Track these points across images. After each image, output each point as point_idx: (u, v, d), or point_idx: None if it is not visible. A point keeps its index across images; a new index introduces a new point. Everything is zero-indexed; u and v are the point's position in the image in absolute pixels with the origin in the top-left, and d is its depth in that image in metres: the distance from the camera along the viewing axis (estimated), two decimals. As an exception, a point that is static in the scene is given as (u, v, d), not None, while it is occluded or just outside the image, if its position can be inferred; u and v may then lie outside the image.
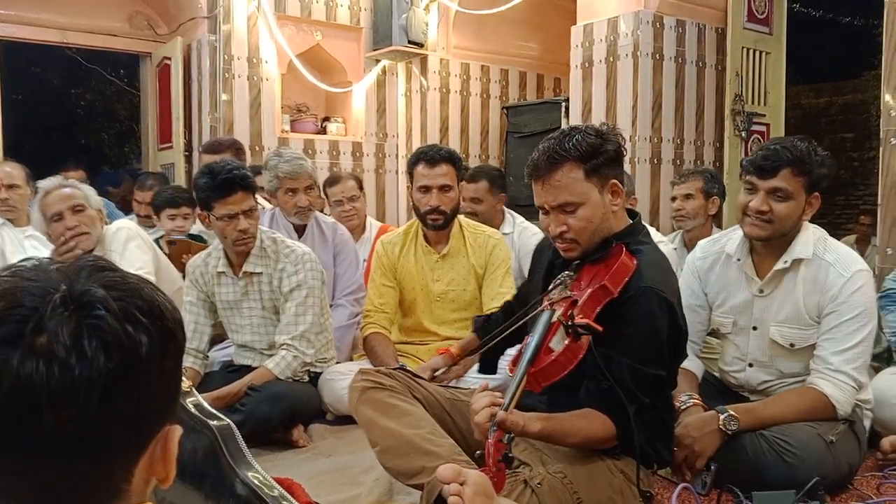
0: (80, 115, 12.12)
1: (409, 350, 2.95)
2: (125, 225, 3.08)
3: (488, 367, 2.21)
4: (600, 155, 1.70)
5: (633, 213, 1.85)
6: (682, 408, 2.05)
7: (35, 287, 0.61)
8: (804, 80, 9.93)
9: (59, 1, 5.63)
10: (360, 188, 3.98)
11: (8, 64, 5.54)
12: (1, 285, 0.62)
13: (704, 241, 2.44)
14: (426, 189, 2.82)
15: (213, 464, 1.31)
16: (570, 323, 1.53)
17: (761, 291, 2.16)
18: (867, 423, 2.16)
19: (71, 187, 2.92)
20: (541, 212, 1.78)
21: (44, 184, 2.94)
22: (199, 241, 3.58)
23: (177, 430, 0.69)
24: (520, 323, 1.81)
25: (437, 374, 2.18)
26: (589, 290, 1.61)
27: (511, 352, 1.94)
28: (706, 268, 2.30)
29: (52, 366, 0.58)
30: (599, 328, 1.54)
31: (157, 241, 3.49)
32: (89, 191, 2.97)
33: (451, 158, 2.86)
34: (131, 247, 2.93)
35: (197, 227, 3.77)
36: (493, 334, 1.88)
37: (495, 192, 3.59)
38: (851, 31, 9.02)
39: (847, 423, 2.04)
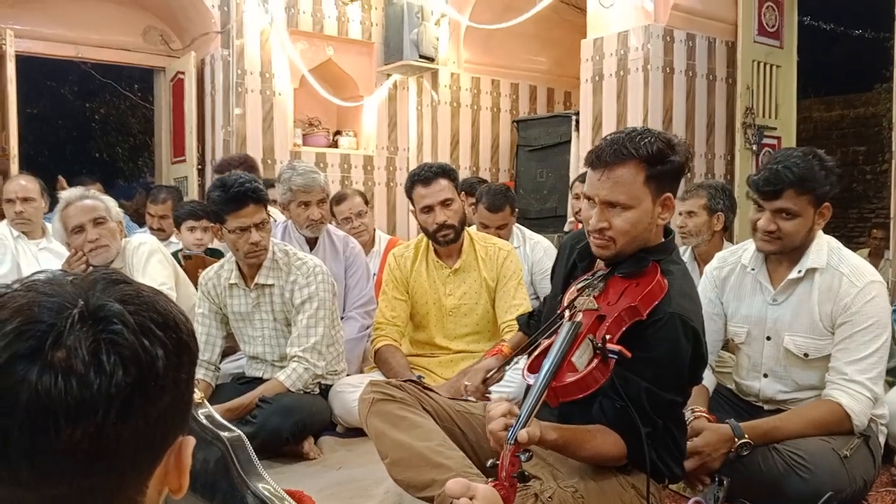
0: (94, 128, 12.24)
1: (420, 363, 2.95)
2: (147, 240, 3.08)
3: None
4: (667, 163, 1.66)
5: (667, 231, 1.81)
6: (686, 421, 2.03)
7: (51, 302, 0.62)
8: (815, 94, 9.91)
9: (74, 16, 5.71)
10: (367, 203, 3.99)
11: (24, 78, 5.60)
12: (17, 300, 0.62)
13: (722, 251, 2.45)
14: (429, 208, 2.83)
15: (224, 475, 1.32)
16: (600, 345, 1.49)
17: (775, 300, 2.16)
18: (882, 439, 2.14)
19: (93, 199, 2.92)
20: (586, 202, 1.73)
21: (65, 195, 2.94)
22: (216, 256, 3.61)
23: (190, 441, 0.69)
24: (555, 320, 1.74)
25: (489, 374, 2.12)
26: (618, 309, 1.58)
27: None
28: (722, 277, 2.31)
29: (70, 381, 0.58)
30: (630, 355, 1.50)
31: (173, 255, 3.51)
32: (111, 203, 2.98)
33: (445, 172, 2.87)
34: (153, 262, 2.94)
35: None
36: (539, 332, 1.80)
37: (513, 211, 3.67)
38: (863, 44, 9.01)
39: (862, 438, 2.03)
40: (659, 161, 1.64)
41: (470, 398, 2.19)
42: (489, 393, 2.17)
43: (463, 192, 3.30)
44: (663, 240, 1.77)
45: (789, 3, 5.03)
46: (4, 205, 3.67)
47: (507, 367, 2.08)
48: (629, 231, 1.67)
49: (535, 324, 2.11)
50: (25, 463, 0.59)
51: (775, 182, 2.02)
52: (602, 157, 1.66)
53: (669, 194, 1.69)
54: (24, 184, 3.68)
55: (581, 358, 1.51)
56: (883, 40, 7.74)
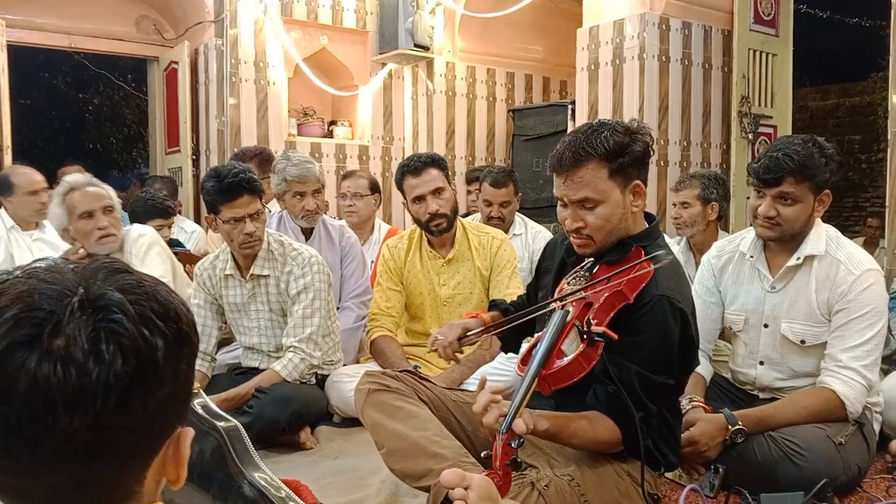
0: (88, 119, 12.18)
1: (416, 353, 2.95)
2: (147, 231, 3.08)
3: (511, 344, 2.16)
4: (626, 154, 1.67)
5: (650, 217, 1.83)
6: (683, 411, 2.04)
7: (52, 290, 0.61)
8: (811, 82, 9.90)
9: (67, 6, 5.67)
10: (374, 191, 3.96)
11: (17, 69, 5.58)
12: (17, 287, 0.62)
13: (721, 240, 2.46)
14: (420, 198, 2.82)
15: (220, 465, 1.32)
16: (586, 329, 1.50)
17: (773, 288, 2.16)
18: (877, 426, 2.15)
19: (98, 186, 2.89)
20: (559, 204, 1.77)
21: (70, 179, 2.89)
22: (175, 247, 3.63)
23: (189, 433, 0.69)
24: (542, 312, 1.75)
25: (469, 334, 2.04)
26: (605, 295, 1.59)
27: (521, 349, 1.92)
28: (720, 265, 2.32)
29: (69, 369, 0.58)
30: (615, 336, 1.52)
31: None
32: (112, 192, 2.96)
33: (435, 161, 2.87)
34: (152, 254, 2.94)
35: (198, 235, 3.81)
36: (522, 313, 1.82)
37: (516, 192, 3.71)
38: (859, 33, 8.99)
39: (856, 425, 2.04)
40: (618, 154, 1.67)
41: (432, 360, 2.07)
42: (461, 351, 2.08)
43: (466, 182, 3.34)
44: (647, 226, 1.79)
45: (785, -9, 5.02)
46: (29, 196, 3.62)
47: (485, 335, 2.01)
48: (603, 226, 1.70)
49: (516, 308, 2.10)
50: (25, 451, 0.59)
51: (776, 169, 2.03)
52: (563, 162, 1.69)
53: (638, 182, 1.72)
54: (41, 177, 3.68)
55: (570, 346, 1.53)
56: (879, 28, 7.73)
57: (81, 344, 0.59)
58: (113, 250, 2.87)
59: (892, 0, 3.57)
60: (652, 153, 1.75)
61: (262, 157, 4.00)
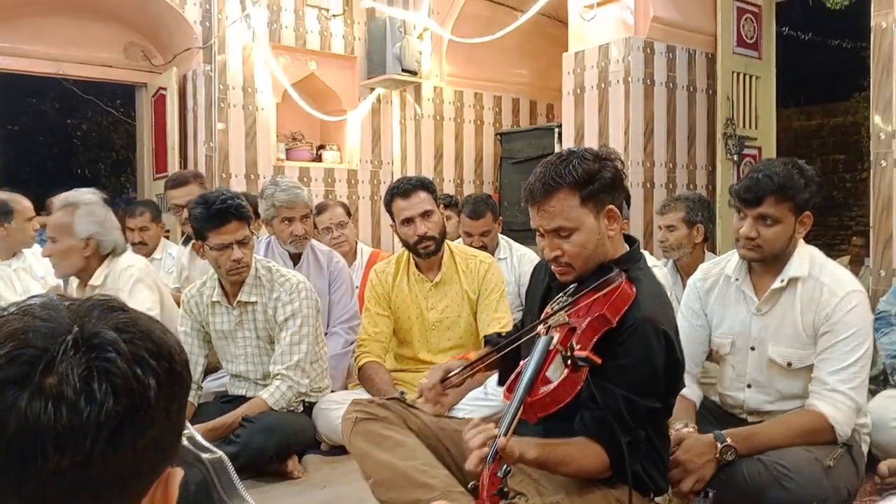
0: (76, 145, 12.18)
1: (405, 378, 2.94)
2: (135, 262, 2.98)
3: (506, 378, 2.14)
4: (596, 181, 1.69)
5: (631, 240, 1.85)
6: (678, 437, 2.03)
7: (46, 327, 0.61)
8: (795, 103, 10.02)
9: (56, 33, 5.68)
10: (349, 214, 4.00)
11: (5, 95, 5.59)
12: (12, 324, 0.61)
13: (706, 263, 2.47)
14: (409, 220, 2.83)
15: (205, 498, 1.30)
16: (569, 354, 1.50)
17: (759, 310, 2.17)
18: (865, 447, 2.15)
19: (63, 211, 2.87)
20: (537, 234, 1.79)
21: (85, 198, 2.90)
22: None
23: (178, 474, 0.69)
24: (527, 338, 1.76)
25: (450, 375, 2.02)
26: (588, 319, 1.59)
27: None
28: (706, 289, 2.32)
29: (60, 408, 0.57)
30: (599, 361, 1.52)
31: None
32: (80, 220, 2.85)
33: (424, 185, 2.88)
34: (140, 286, 2.89)
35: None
36: (509, 341, 1.84)
37: (495, 218, 3.68)
38: (841, 54, 9.12)
39: (845, 447, 2.03)
40: (588, 182, 1.68)
41: (419, 403, 2.05)
42: (446, 394, 2.03)
43: (442, 205, 3.35)
44: (628, 248, 1.80)
45: (767, 15, 5.10)
46: (27, 223, 3.62)
47: (468, 374, 1.97)
48: (581, 252, 1.71)
49: (505, 342, 2.10)
50: (13, 490, 0.58)
51: (756, 190, 2.05)
52: (535, 194, 1.72)
53: (611, 206, 1.73)
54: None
55: (555, 372, 1.52)
56: (860, 50, 7.85)
57: (73, 383, 0.58)
58: (66, 274, 2.90)
59: (872, 22, 3.63)
60: (624, 177, 1.77)
61: (201, 181, 3.90)
